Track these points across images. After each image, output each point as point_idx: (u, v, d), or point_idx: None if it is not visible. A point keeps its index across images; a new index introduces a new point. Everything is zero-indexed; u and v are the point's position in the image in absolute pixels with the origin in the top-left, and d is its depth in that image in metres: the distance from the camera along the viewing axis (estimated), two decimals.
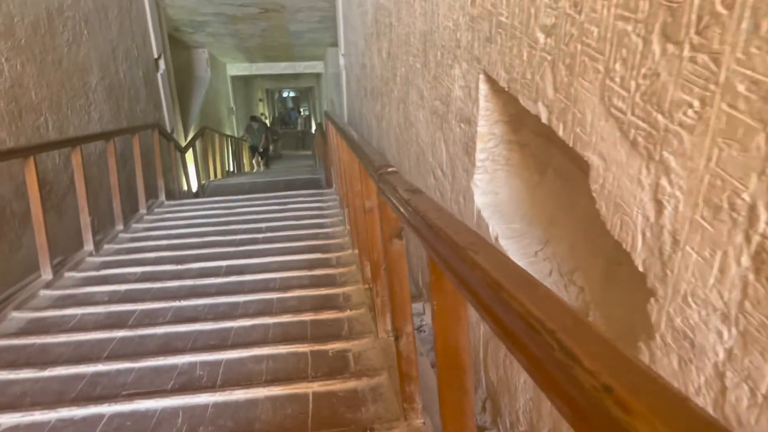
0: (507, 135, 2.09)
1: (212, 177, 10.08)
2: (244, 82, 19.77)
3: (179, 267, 3.80)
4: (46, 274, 3.55)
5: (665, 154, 1.00)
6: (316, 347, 2.53)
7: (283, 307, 3.05)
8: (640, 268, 1.10)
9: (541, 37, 1.48)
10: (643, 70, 1.05)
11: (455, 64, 2.31)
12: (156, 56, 7.90)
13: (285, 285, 3.38)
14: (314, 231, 4.63)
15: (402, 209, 1.31)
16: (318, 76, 18.56)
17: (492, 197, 2.16)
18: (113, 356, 2.54)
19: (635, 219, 1.10)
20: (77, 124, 4.98)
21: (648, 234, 1.07)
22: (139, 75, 7.07)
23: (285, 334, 2.71)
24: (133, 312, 3.05)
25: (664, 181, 1.01)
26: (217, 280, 3.51)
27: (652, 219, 1.05)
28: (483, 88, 2.01)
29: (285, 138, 26.68)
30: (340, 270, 3.60)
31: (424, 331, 3.16)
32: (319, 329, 2.75)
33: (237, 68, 16.11)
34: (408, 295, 1.76)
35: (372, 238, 2.50)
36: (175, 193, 7.39)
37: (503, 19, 1.74)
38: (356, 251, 3.72)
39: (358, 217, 3.25)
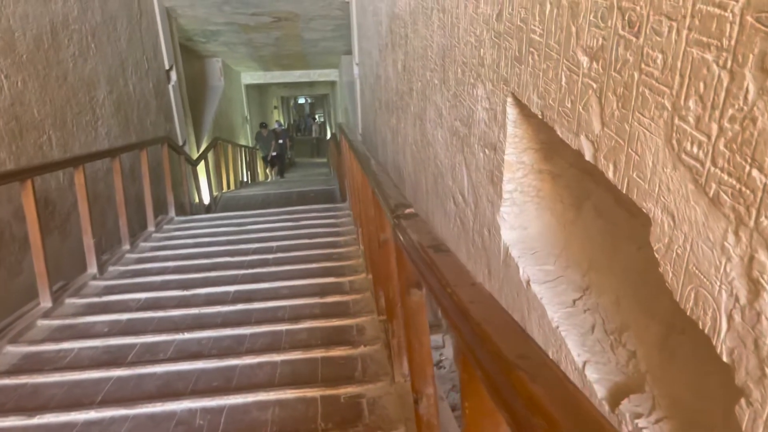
0: (537, 164, 1.87)
1: (225, 188, 9.94)
2: (258, 91, 19.71)
3: (185, 293, 3.61)
4: (45, 302, 3.38)
5: (764, 221, 0.78)
6: (327, 392, 2.32)
7: (292, 341, 2.85)
8: (725, 358, 0.88)
9: (584, 60, 1.26)
10: (730, 112, 0.83)
11: (478, 84, 2.09)
12: (167, 67, 7.78)
13: (295, 314, 3.18)
14: (327, 251, 4.42)
15: (423, 271, 1.09)
16: (332, 83, 18.43)
17: (521, 233, 1.93)
18: (108, 400, 2.35)
19: (717, 296, 0.88)
20: (83, 140, 4.83)
21: (737, 318, 0.84)
22: (150, 87, 6.94)
23: (294, 375, 2.50)
24: (133, 346, 2.87)
25: (762, 256, 0.78)
26: (223, 308, 3.32)
27: (744, 300, 0.83)
28: (511, 112, 1.79)
29: (299, 145, 26.60)
30: (354, 297, 3.39)
31: (444, 367, 2.93)
32: (331, 369, 2.54)
33: (251, 77, 16.03)
34: (429, 354, 1.54)
35: (387, 272, 2.29)
36: (186, 207, 7.24)
37: (536, 36, 1.52)
38: (370, 276, 3.51)
39: (372, 243, 3.05)
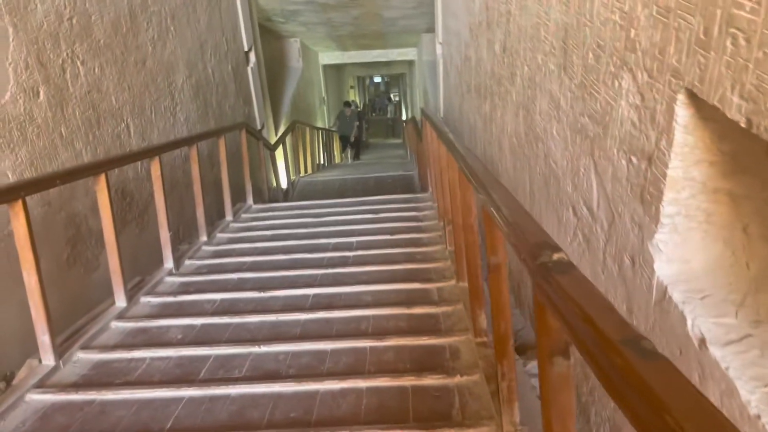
0: (713, 181, 1.42)
1: (302, 172, 9.79)
2: (335, 71, 19.55)
3: (262, 295, 3.38)
4: (120, 302, 3.23)
5: None
6: None
7: (377, 363, 2.53)
8: None
9: None
10: None
11: (623, 73, 1.65)
12: (246, 49, 7.62)
13: (379, 328, 2.87)
14: (410, 250, 4.08)
15: (620, 390, 0.71)
16: (410, 63, 17.96)
17: (681, 267, 1.50)
18: (177, 429, 2.12)
19: None
20: (162, 127, 4.69)
21: None
22: (228, 70, 6.79)
23: (381, 409, 2.18)
24: (206, 358, 2.64)
25: None
26: (302, 315, 3.05)
27: None
28: (682, 114, 1.36)
29: (374, 125, 26.39)
30: (444, 309, 3.03)
31: None
32: (424, 402, 2.20)
33: (329, 57, 15.83)
34: None
35: (498, 303, 1.91)
36: (264, 193, 7.10)
37: (743, 12, 1.08)
38: (462, 284, 3.14)
39: (469, 250, 2.67)
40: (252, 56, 7.82)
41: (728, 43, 1.14)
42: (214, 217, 5.66)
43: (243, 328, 2.97)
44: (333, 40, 13.26)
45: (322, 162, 12.98)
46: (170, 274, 3.82)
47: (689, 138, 1.37)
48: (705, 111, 1.31)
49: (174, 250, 3.96)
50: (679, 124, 1.36)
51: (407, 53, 15.65)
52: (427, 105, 11.00)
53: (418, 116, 9.73)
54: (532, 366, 2.67)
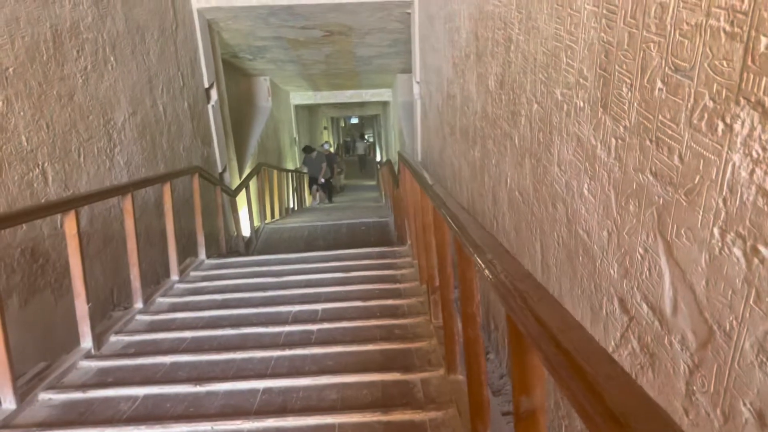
0: None
1: (268, 218, 9.06)
2: (308, 111, 19.04)
3: (198, 389, 2.63)
4: (7, 403, 2.46)
5: None
6: None
7: None
8: None
9: None
10: None
11: (737, 110, 1.02)
12: (207, 86, 6.97)
13: None
14: (387, 322, 3.38)
15: None
16: (384, 104, 17.54)
17: None
18: None
19: None
20: (93, 173, 3.97)
21: None
22: (185, 107, 6.11)
23: None
24: None
25: None
26: (245, 424, 2.32)
27: None
28: None
29: (347, 165, 25.84)
30: (432, 415, 2.32)
31: None
32: None
33: (301, 97, 15.29)
34: None
35: None
36: (221, 244, 6.34)
37: None
38: (454, 377, 2.46)
39: (469, 346, 1.99)
40: (214, 93, 7.18)
41: None
42: (161, 275, 4.91)
43: None
44: (304, 79, 12.74)
45: (291, 206, 12.27)
46: (87, 356, 3.05)
47: None
48: None
49: (95, 325, 3.20)
50: None
51: (382, 94, 15.21)
52: (403, 148, 10.46)
53: (394, 158, 9.16)
54: None
